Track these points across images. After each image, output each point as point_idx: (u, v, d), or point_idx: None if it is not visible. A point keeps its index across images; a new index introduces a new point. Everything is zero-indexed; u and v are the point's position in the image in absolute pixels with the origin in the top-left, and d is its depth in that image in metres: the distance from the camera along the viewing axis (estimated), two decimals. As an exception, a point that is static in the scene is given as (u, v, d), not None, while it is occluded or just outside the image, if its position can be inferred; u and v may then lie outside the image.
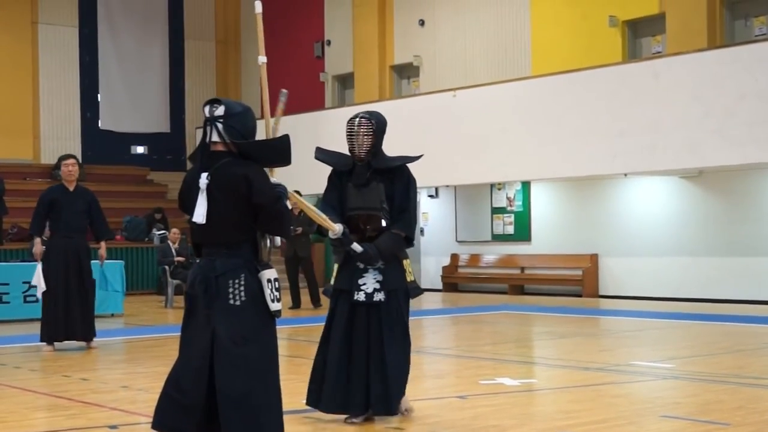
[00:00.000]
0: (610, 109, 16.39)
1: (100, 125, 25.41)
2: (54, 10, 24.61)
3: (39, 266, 10.68)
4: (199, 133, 6.43)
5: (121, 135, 25.59)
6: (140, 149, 26.10)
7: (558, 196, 19.55)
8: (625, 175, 17.18)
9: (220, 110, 4.72)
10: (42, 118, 24.45)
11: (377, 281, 6.29)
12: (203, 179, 4.67)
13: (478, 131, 18.27)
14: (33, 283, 11.00)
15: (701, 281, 17.05)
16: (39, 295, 10.81)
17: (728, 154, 14.91)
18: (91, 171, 24.12)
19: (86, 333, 10.73)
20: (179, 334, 4.81)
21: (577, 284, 18.73)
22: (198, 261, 4.83)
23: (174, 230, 17.76)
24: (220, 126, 4.70)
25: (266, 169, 4.80)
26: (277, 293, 4.71)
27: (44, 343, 10.58)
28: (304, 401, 6.37)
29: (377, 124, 6.37)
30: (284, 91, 5.26)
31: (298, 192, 5.61)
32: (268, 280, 4.69)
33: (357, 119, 6.37)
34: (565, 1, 19.35)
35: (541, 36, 19.66)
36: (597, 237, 18.66)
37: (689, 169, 16.36)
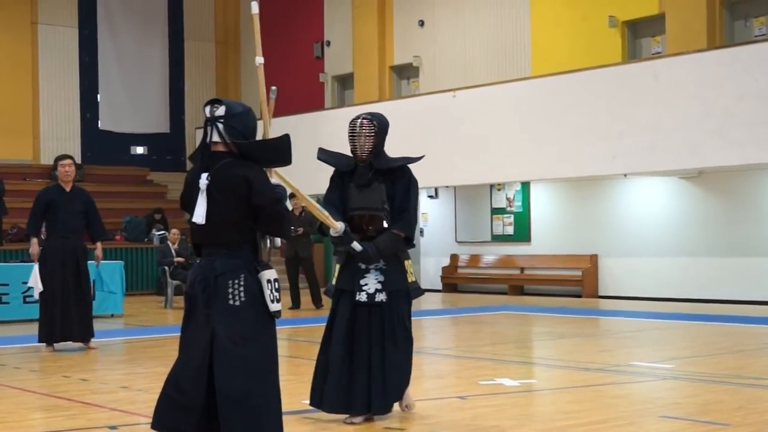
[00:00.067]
0: (610, 109, 16.39)
1: (99, 126, 25.42)
2: (54, 11, 24.62)
3: (36, 267, 10.66)
4: (199, 133, 6.45)
5: (121, 135, 25.59)
6: (140, 150, 26.10)
7: (558, 196, 19.55)
8: (625, 175, 17.18)
9: (220, 110, 4.72)
10: (42, 118, 24.46)
11: (379, 282, 6.31)
12: (203, 180, 4.67)
13: (478, 132, 18.27)
14: (29, 284, 10.97)
15: (701, 282, 17.05)
16: (36, 295, 10.80)
17: (728, 155, 14.91)
18: (91, 171, 24.15)
19: (84, 334, 10.70)
20: (179, 334, 4.81)
21: (576, 285, 18.73)
22: (198, 261, 4.83)
23: (174, 231, 17.75)
24: (220, 126, 4.70)
25: (266, 170, 4.80)
26: (276, 294, 4.71)
27: (44, 344, 10.58)
28: (307, 401, 6.37)
29: (379, 126, 6.40)
30: (274, 88, 5.27)
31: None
32: (268, 281, 4.69)
33: (359, 120, 6.39)
34: (565, 2, 19.36)
35: (540, 36, 19.67)
36: (597, 237, 18.67)
37: (689, 170, 16.36)
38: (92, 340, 10.84)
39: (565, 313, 15.20)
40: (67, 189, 10.72)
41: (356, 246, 6.22)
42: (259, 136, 4.81)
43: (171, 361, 4.85)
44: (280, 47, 25.30)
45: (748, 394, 7.43)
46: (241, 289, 4.63)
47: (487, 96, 18.46)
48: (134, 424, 6.37)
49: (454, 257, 21.19)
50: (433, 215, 21.69)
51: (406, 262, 6.47)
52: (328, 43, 24.59)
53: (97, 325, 11.21)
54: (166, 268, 17.23)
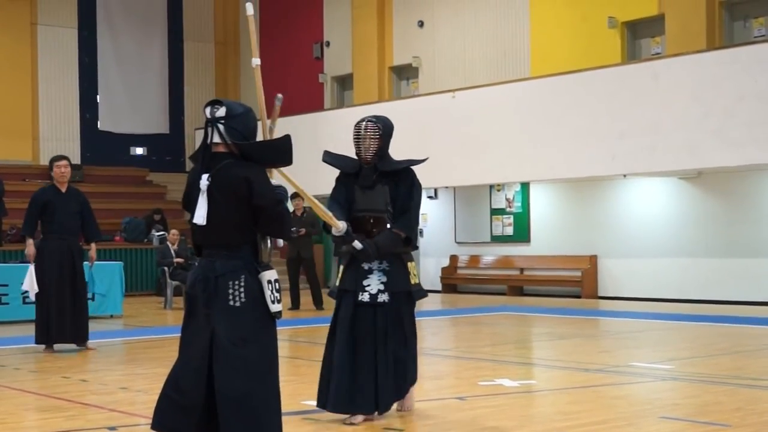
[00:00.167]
0: (610, 110, 16.40)
1: (99, 126, 25.43)
2: (53, 12, 24.62)
3: (31, 268, 10.63)
4: (198, 134, 6.46)
5: (121, 136, 25.60)
6: (139, 150, 26.11)
7: (557, 197, 19.55)
8: (625, 176, 17.18)
9: (221, 111, 4.72)
10: (41, 119, 24.46)
11: (382, 282, 6.35)
12: (204, 180, 4.67)
13: (478, 132, 18.27)
14: (24, 287, 10.89)
15: (700, 282, 17.05)
16: (32, 297, 10.76)
17: (727, 155, 14.91)
18: (91, 172, 24.17)
19: (78, 335, 10.64)
20: (178, 335, 4.81)
21: (576, 285, 18.73)
22: (198, 262, 4.84)
23: (173, 231, 17.74)
24: (221, 127, 4.70)
25: (267, 170, 4.81)
26: (277, 294, 4.71)
27: (42, 345, 10.56)
28: (307, 402, 6.38)
29: (384, 128, 6.45)
30: (279, 96, 5.28)
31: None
32: (269, 282, 4.69)
33: (364, 123, 6.45)
34: (565, 3, 19.36)
35: (540, 37, 19.67)
36: (596, 238, 18.67)
37: (688, 170, 16.36)
38: (90, 341, 10.81)
39: (565, 313, 15.20)
40: (63, 190, 10.67)
41: (357, 244, 6.27)
42: (259, 137, 4.82)
43: (170, 362, 4.86)
44: (280, 48, 25.32)
45: (747, 394, 7.43)
46: (242, 290, 4.64)
47: (486, 97, 18.46)
48: (134, 425, 6.37)
49: (453, 258, 21.19)
50: (432, 216, 21.69)
51: (409, 264, 6.52)
52: (328, 44, 24.60)
53: (97, 326, 11.21)
54: (166, 268, 17.22)
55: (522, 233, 20.11)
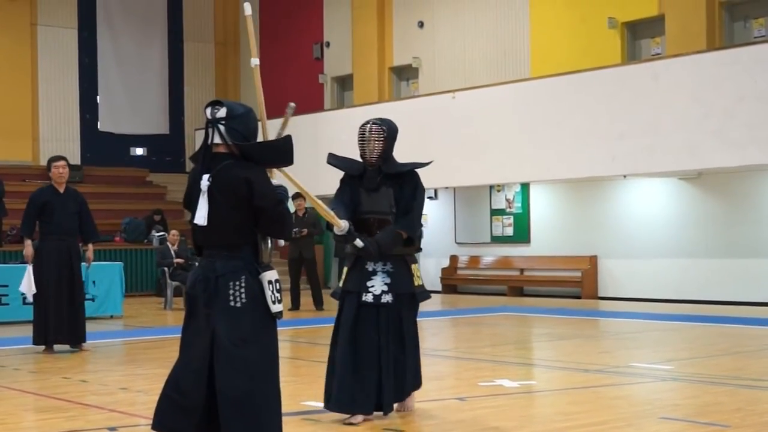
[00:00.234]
0: (610, 110, 16.40)
1: (99, 127, 25.43)
2: (53, 12, 24.62)
3: (29, 270, 10.61)
4: (198, 134, 6.47)
5: (121, 137, 25.60)
6: (139, 151, 26.11)
7: (557, 197, 19.55)
8: (625, 176, 17.18)
9: (222, 112, 4.72)
10: (41, 119, 24.46)
11: (385, 284, 6.38)
12: (204, 181, 4.68)
13: (478, 133, 18.27)
14: (22, 289, 10.86)
15: (700, 283, 17.05)
16: (30, 298, 10.73)
17: (727, 156, 14.91)
18: (91, 173, 24.17)
19: (73, 337, 10.60)
20: (179, 335, 4.82)
21: (576, 286, 18.73)
22: (199, 262, 4.84)
23: (173, 232, 17.74)
24: (222, 128, 4.70)
25: (268, 170, 4.82)
26: (278, 295, 4.71)
27: (41, 346, 10.55)
28: (308, 402, 6.38)
29: (388, 131, 6.50)
30: (292, 104, 5.29)
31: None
32: (269, 282, 4.69)
33: (369, 125, 6.49)
34: (565, 3, 19.36)
35: (540, 38, 19.67)
36: (596, 239, 18.67)
37: (688, 171, 16.36)
38: (90, 341, 10.80)
39: (565, 314, 15.20)
40: (61, 190, 10.64)
41: (359, 242, 6.31)
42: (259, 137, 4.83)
43: (171, 363, 4.86)
44: (280, 48, 25.33)
45: (747, 395, 7.43)
46: (242, 290, 4.64)
47: (486, 97, 18.46)
48: (134, 426, 6.37)
49: (453, 258, 21.19)
50: (432, 216, 21.68)
51: (413, 266, 6.56)
52: (328, 45, 24.60)
53: (97, 327, 11.20)
54: (166, 269, 17.22)
55: (522, 234, 20.11)
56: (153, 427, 4.74)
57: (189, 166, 4.99)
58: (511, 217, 20.33)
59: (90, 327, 10.97)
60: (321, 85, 24.74)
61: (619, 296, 18.16)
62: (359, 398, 6.23)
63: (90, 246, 10.93)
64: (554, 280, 19.23)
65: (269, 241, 4.84)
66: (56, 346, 10.62)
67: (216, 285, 4.64)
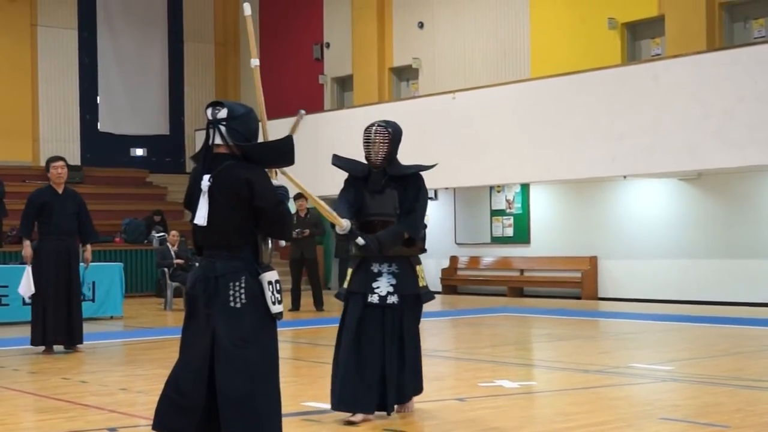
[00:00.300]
0: (610, 111, 16.40)
1: (99, 128, 25.44)
2: (53, 13, 24.63)
3: (28, 271, 10.60)
4: (198, 135, 6.48)
5: (121, 137, 25.61)
6: (139, 151, 26.11)
7: (557, 198, 19.55)
8: (625, 177, 17.19)
9: (222, 113, 4.72)
10: (41, 120, 24.47)
11: (391, 285, 6.41)
12: (205, 181, 4.68)
13: (478, 133, 18.27)
14: (20, 291, 10.85)
15: (700, 283, 17.05)
16: (28, 299, 10.70)
17: (727, 156, 14.91)
18: (91, 173, 24.18)
19: (69, 337, 10.58)
20: (179, 336, 4.82)
21: (576, 286, 18.73)
22: (199, 262, 4.84)
23: (173, 232, 17.74)
24: (223, 129, 4.71)
25: (269, 171, 4.82)
26: (278, 295, 4.71)
27: (39, 347, 10.54)
28: (308, 403, 6.38)
29: (393, 133, 6.53)
30: (302, 111, 5.32)
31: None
32: (269, 283, 4.69)
33: (374, 127, 6.52)
34: (565, 4, 19.36)
35: (540, 38, 19.67)
36: (596, 239, 18.67)
37: (688, 172, 16.36)
38: (90, 342, 10.78)
39: (565, 314, 15.20)
40: (60, 191, 10.62)
41: (360, 240, 6.32)
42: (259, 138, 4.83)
43: (171, 363, 4.86)
44: (280, 49, 25.33)
45: (747, 395, 7.43)
46: (242, 291, 4.64)
47: (486, 98, 18.47)
48: (134, 426, 6.37)
49: (453, 259, 21.19)
50: (432, 217, 21.64)
51: (417, 267, 6.59)
52: (328, 45, 24.60)
53: (97, 327, 11.19)
54: (166, 269, 17.22)
55: (522, 234, 20.11)
56: (153, 428, 4.74)
57: (189, 166, 5.00)
58: (511, 217, 20.33)
59: (90, 328, 10.97)
60: (321, 85, 24.74)
61: (619, 297, 18.16)
62: (361, 397, 6.24)
63: (88, 246, 10.91)
64: (554, 281, 19.23)
65: (269, 242, 4.85)
66: (58, 347, 10.61)
67: (216, 285, 4.64)
